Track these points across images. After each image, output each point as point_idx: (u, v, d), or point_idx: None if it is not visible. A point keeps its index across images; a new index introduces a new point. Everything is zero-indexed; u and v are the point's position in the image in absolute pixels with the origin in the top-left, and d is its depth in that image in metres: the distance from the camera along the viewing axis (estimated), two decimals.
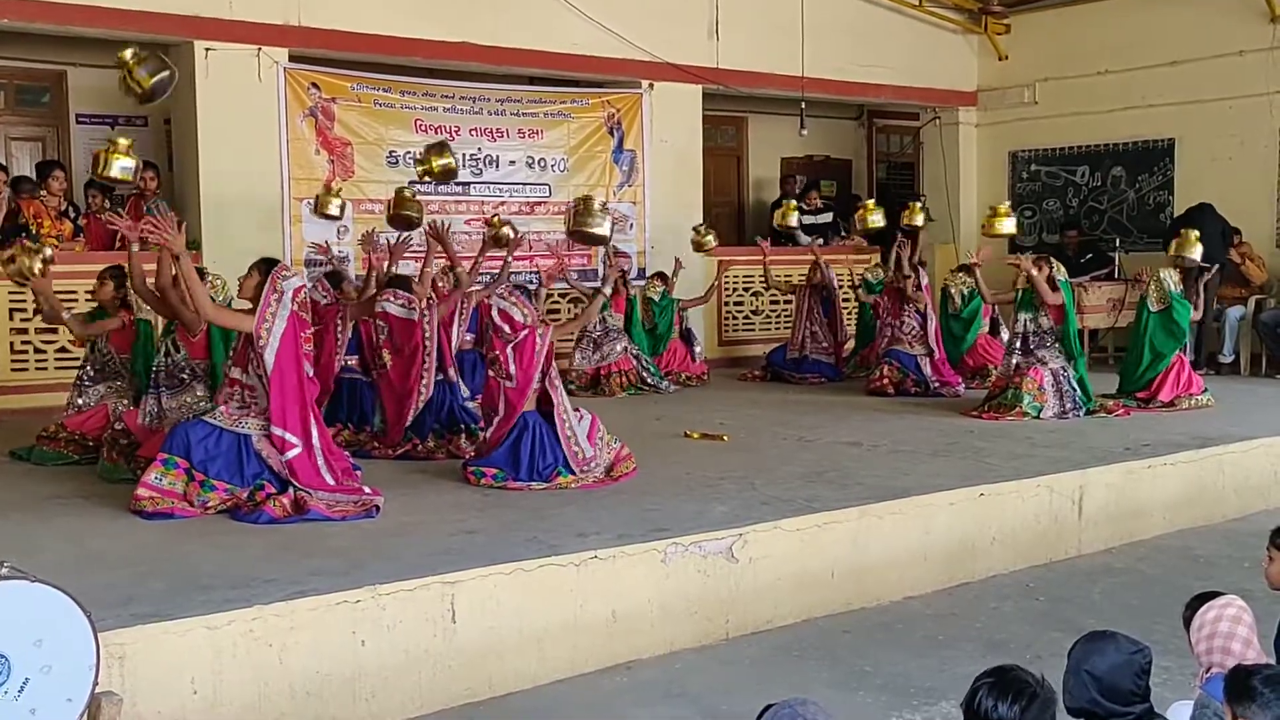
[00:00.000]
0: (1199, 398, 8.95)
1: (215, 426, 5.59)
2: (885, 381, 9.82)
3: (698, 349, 11.23)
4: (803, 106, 12.08)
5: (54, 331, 9.03)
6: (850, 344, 11.53)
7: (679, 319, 11.11)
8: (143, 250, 6.45)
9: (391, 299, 7.22)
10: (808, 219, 13.54)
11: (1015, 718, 2.52)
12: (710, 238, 11.20)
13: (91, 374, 7.13)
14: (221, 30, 9.58)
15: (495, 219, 9.85)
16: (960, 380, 9.98)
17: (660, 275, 11.04)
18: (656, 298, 10.93)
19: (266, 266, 5.67)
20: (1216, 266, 10.49)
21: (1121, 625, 3.12)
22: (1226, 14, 12.10)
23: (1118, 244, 12.76)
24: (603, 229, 7.14)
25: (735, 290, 12.86)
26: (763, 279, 11.79)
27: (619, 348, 10.27)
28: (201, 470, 5.50)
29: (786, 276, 12.04)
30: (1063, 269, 9.03)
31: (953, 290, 10.64)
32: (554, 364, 6.43)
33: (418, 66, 10.77)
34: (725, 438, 7.69)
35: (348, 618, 4.26)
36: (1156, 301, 9.00)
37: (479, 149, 11.09)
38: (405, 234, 8.24)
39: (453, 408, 7.36)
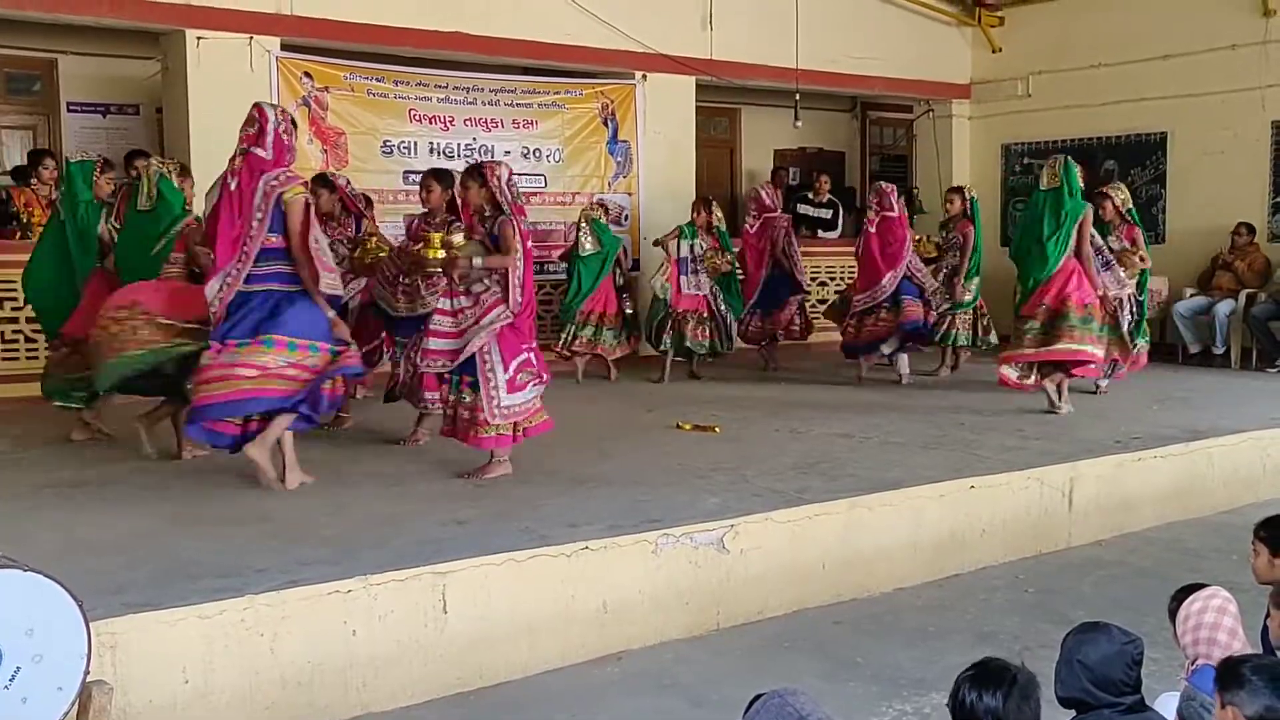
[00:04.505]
0: None
1: None
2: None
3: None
4: (796, 98, 12.09)
5: None
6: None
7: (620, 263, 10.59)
8: None
9: None
10: (809, 210, 13.52)
11: (999, 706, 2.54)
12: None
13: None
14: (213, 19, 9.54)
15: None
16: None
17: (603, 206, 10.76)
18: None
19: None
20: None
21: (1110, 617, 3.13)
22: (1219, 8, 12.10)
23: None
24: None
25: None
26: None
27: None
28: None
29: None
30: None
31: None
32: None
33: (410, 56, 10.74)
34: (717, 429, 7.70)
35: (339, 607, 4.27)
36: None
37: (474, 139, 11.07)
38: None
39: None
